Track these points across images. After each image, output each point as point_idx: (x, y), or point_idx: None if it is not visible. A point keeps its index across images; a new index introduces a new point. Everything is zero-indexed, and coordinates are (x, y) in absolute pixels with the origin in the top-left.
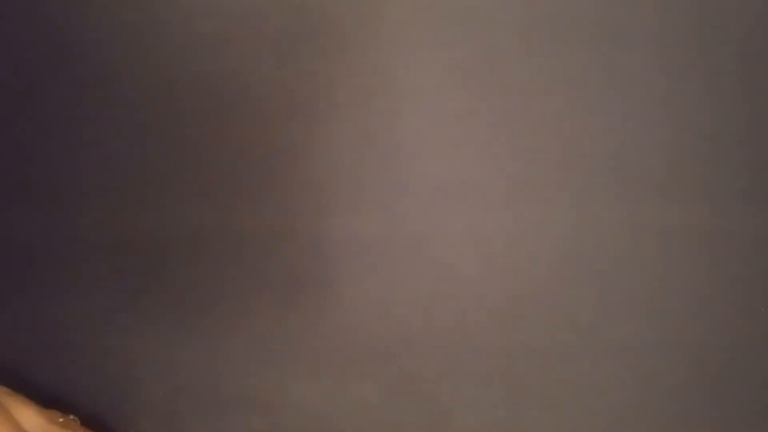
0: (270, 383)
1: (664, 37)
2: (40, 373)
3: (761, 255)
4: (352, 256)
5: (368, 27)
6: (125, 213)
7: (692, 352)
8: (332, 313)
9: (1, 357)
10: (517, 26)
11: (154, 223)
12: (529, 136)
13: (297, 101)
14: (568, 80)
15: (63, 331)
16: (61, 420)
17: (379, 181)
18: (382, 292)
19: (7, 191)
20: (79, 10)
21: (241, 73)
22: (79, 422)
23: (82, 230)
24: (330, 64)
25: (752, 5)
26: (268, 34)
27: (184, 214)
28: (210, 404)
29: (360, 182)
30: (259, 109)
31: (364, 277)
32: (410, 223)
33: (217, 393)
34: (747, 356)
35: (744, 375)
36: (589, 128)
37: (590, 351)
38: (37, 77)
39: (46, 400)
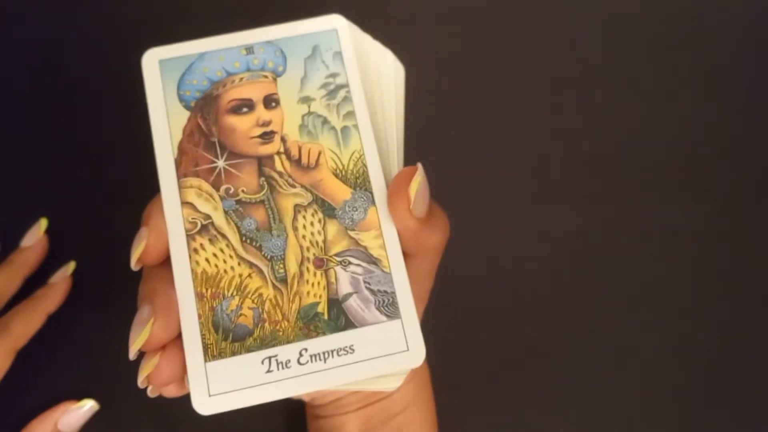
0: None
1: (664, 37)
2: (38, 374)
3: (762, 255)
4: None
5: (368, 27)
6: (124, 212)
7: (692, 352)
8: None
9: None
10: (517, 26)
11: None
12: (530, 136)
13: None
14: (568, 80)
15: (61, 331)
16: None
17: None
18: None
19: (5, 191)
20: (77, 10)
21: None
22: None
23: (80, 228)
24: None
25: (752, 5)
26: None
27: None
28: None
29: None
30: None
31: None
32: None
33: None
34: (747, 356)
35: (744, 375)
36: (589, 128)
37: (590, 351)
38: (36, 77)
39: (46, 400)
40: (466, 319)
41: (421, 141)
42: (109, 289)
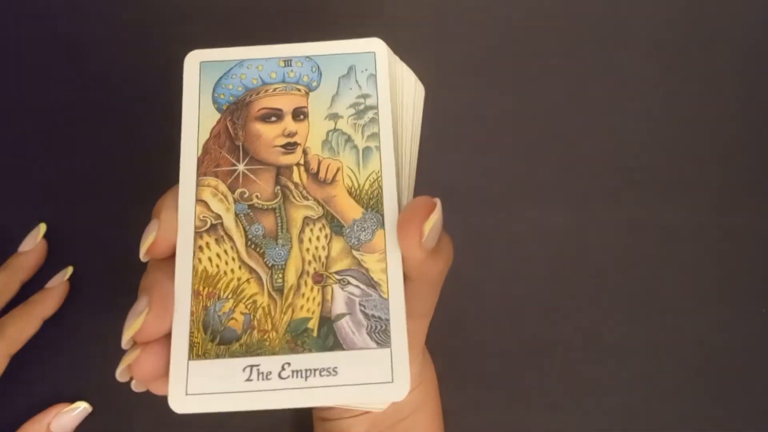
0: None
1: (664, 37)
2: (34, 376)
3: (762, 255)
4: None
5: (367, 27)
6: (125, 212)
7: (692, 352)
8: None
9: None
10: (517, 26)
11: None
12: (529, 136)
13: None
14: (568, 80)
15: (58, 333)
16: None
17: None
18: None
19: (6, 191)
20: (78, 10)
21: None
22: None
23: (81, 229)
24: None
25: (752, 5)
26: (266, 33)
27: None
28: None
29: None
30: None
31: None
32: None
33: None
34: (747, 356)
35: (744, 375)
36: (587, 128)
37: (589, 350)
38: (36, 76)
39: (41, 402)
40: (465, 318)
41: (421, 141)
42: (107, 290)
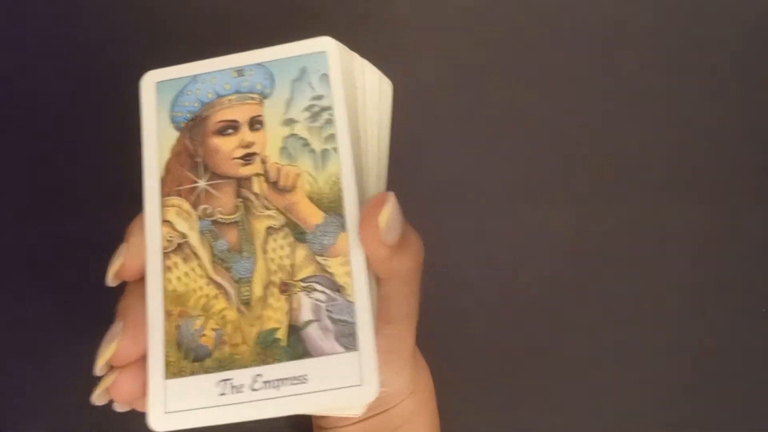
0: None
1: (664, 37)
2: (37, 374)
3: (761, 255)
4: None
5: (367, 27)
6: (124, 214)
7: (692, 352)
8: None
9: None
10: (517, 26)
11: None
12: (529, 136)
13: None
14: (568, 80)
15: (61, 331)
16: None
17: None
18: None
19: (8, 193)
20: (79, 10)
21: None
22: None
23: (82, 230)
24: None
25: (752, 5)
26: (265, 34)
27: None
28: None
29: None
30: None
31: None
32: (410, 223)
33: None
34: (747, 357)
35: (745, 376)
36: (588, 128)
37: (590, 351)
38: (35, 77)
39: (44, 401)
40: (465, 319)
41: (421, 141)
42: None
